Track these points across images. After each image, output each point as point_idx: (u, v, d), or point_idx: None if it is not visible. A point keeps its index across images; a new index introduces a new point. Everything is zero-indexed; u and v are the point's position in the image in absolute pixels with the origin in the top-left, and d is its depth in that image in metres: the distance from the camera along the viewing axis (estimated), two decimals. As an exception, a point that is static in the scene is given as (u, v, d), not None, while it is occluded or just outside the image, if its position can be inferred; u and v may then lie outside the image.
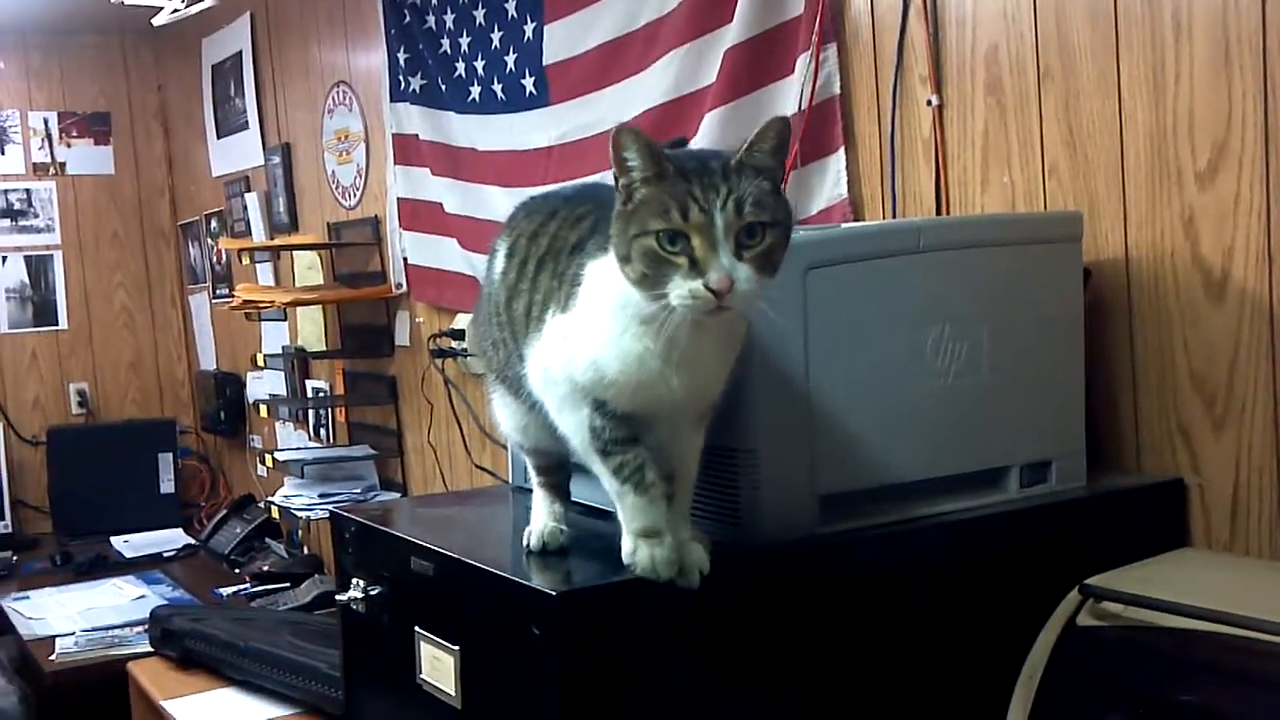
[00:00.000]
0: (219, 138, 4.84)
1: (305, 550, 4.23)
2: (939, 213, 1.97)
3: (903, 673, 1.51)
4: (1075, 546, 1.60)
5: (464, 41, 3.07)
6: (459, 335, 3.17)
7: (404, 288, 3.56)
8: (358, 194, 3.83)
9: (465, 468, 3.35)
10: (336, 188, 3.96)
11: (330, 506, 2.84)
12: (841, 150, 2.11)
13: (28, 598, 4.05)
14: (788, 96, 2.15)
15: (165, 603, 3.82)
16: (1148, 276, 1.73)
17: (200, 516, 4.97)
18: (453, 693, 1.51)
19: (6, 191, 5.17)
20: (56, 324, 5.25)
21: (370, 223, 3.74)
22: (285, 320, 4.35)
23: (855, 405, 1.48)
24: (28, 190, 5.21)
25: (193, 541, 4.73)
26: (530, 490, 1.56)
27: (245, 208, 4.65)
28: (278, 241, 4.33)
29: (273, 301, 3.80)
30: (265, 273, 4.53)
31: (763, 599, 1.43)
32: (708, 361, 1.28)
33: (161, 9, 4.10)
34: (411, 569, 1.58)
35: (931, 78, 1.97)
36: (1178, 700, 1.34)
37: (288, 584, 3.86)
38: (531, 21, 2.82)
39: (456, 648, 1.50)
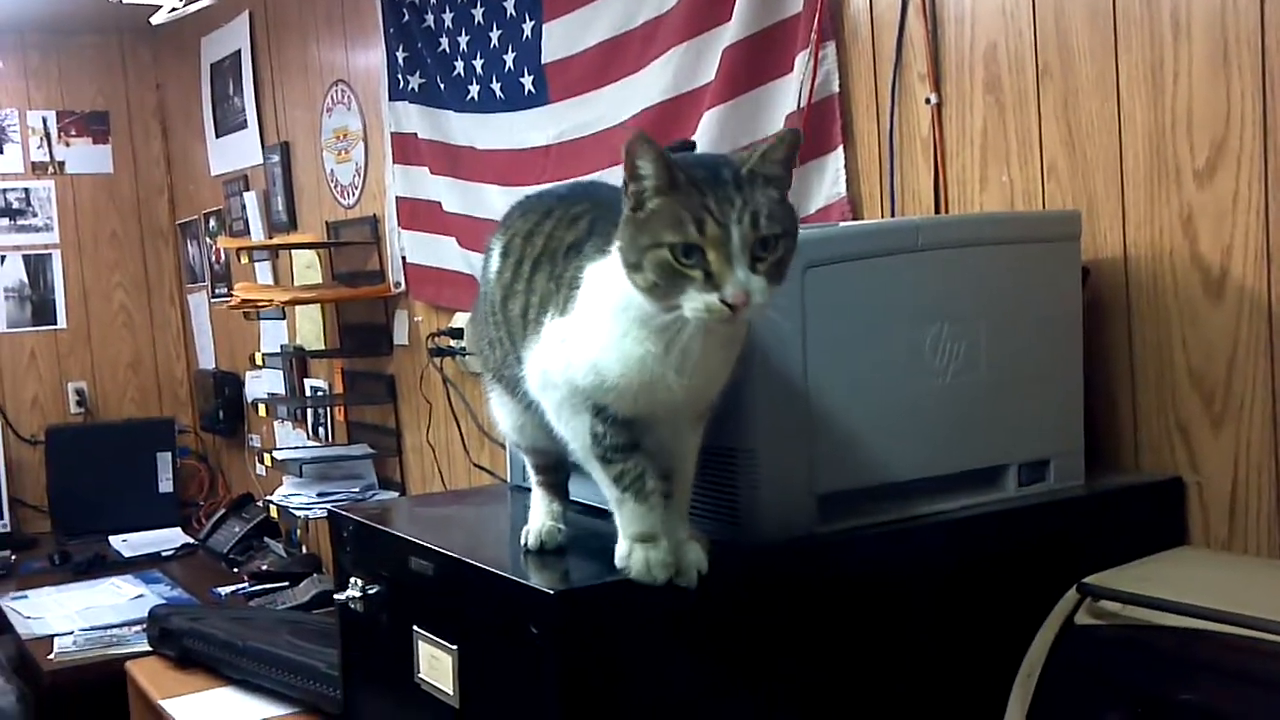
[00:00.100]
0: (217, 137, 4.84)
1: (304, 549, 4.23)
2: (938, 211, 1.97)
3: (901, 672, 1.51)
4: (1073, 545, 1.59)
5: (462, 40, 3.07)
6: (458, 334, 3.17)
7: (403, 287, 3.55)
8: (356, 193, 3.83)
9: (464, 467, 3.35)
10: (335, 187, 3.96)
11: (329, 505, 2.84)
12: (840, 148, 2.11)
13: (26, 597, 4.04)
14: (786, 95, 2.15)
15: (164, 602, 3.82)
16: (1146, 275, 1.73)
17: (199, 516, 4.96)
18: (451, 692, 1.51)
19: (5, 191, 5.16)
20: (55, 323, 5.25)
21: (369, 222, 3.74)
22: (284, 319, 4.35)
23: (854, 404, 1.48)
24: (26, 189, 5.20)
25: (191, 541, 4.73)
26: (529, 489, 1.56)
27: (244, 207, 4.65)
28: (276, 240, 4.33)
29: (271, 300, 3.80)
30: (264, 272, 4.53)
31: (761, 598, 1.43)
32: (710, 362, 1.27)
33: (160, 8, 4.09)
34: (410, 568, 1.58)
35: (930, 76, 1.97)
36: (1176, 699, 1.33)
37: (286, 583, 3.86)
38: (530, 20, 2.81)
39: (455, 647, 1.50)
